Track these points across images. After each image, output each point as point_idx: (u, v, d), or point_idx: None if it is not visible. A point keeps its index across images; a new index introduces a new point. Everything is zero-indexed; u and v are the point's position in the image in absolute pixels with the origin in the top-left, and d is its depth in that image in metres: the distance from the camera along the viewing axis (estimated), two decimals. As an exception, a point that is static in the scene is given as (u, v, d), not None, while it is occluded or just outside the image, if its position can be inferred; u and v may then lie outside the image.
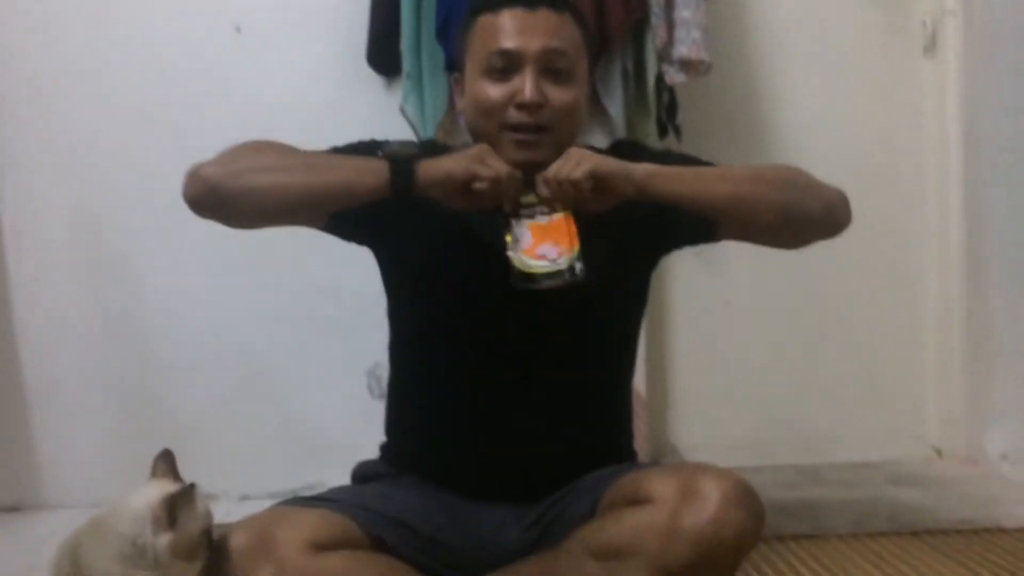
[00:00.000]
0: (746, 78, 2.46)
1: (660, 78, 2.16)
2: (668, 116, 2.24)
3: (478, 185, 1.21)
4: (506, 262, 1.24)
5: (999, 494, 2.11)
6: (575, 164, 1.22)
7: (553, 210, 1.24)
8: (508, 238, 1.25)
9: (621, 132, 2.17)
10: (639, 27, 2.15)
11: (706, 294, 2.48)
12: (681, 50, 2.12)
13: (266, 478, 2.23)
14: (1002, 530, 1.85)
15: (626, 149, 1.39)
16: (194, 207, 1.25)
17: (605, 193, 1.23)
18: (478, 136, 1.33)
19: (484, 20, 1.31)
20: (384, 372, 1.48)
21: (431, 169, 1.21)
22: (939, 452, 2.51)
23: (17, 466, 2.33)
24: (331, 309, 2.30)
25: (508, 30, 1.27)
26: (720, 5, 2.35)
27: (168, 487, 1.12)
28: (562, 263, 1.22)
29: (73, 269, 2.33)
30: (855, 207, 2.51)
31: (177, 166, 2.31)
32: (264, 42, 2.32)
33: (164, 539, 1.09)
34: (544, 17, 1.28)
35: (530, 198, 1.26)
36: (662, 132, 2.24)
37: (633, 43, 2.16)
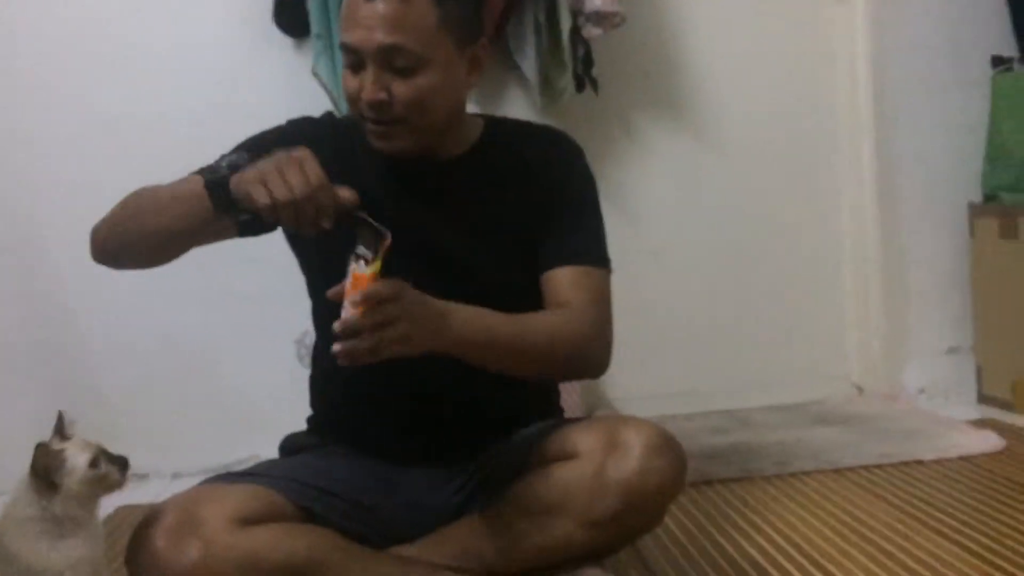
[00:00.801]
0: (661, 28, 2.46)
1: (575, 30, 2.15)
2: (584, 69, 2.23)
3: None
4: (397, 233, 1.14)
5: (918, 427, 2.19)
6: (392, 338, 1.07)
7: (374, 253, 1.08)
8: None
9: (536, 88, 2.15)
10: (549, -22, 2.13)
11: (633, 245, 2.50)
12: (595, 2, 2.10)
13: (198, 455, 2.20)
14: (920, 462, 1.92)
15: (543, 141, 1.38)
16: (102, 264, 1.32)
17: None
18: None
19: (344, 0, 1.24)
20: (311, 341, 1.47)
21: (239, 186, 1.11)
22: (861, 390, 2.59)
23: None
24: (256, 280, 2.25)
25: (351, 21, 1.20)
26: (634, -46, 2.35)
27: None
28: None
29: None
30: (772, 157, 2.57)
31: (90, 140, 2.25)
32: (163, 5, 2.24)
33: (57, 502, 1.11)
34: (383, 6, 1.17)
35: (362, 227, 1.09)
36: (579, 85, 2.24)
37: (544, -4, 2.14)
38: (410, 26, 1.18)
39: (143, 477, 2.11)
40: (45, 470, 1.11)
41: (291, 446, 1.42)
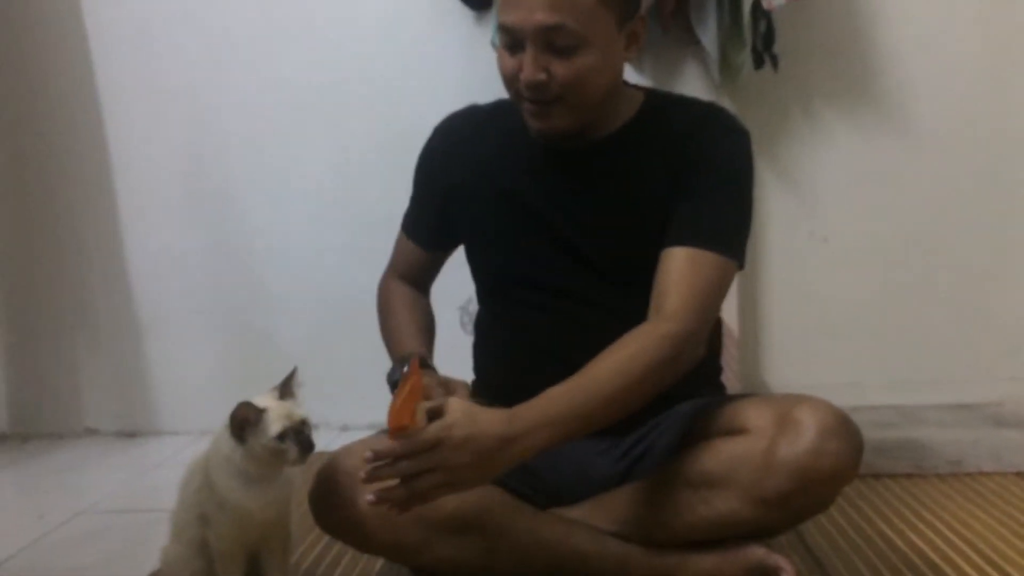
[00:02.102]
0: (849, 1, 2.35)
1: (756, 4, 2.08)
2: (764, 45, 2.16)
3: None
4: (547, 215, 1.31)
5: (1110, 438, 2.03)
6: (425, 489, 1.04)
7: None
8: None
9: (715, 64, 2.11)
10: (733, -50, 2.07)
11: (803, 230, 2.42)
12: (780, -29, 2.03)
13: (365, 410, 2.29)
14: (1113, 474, 1.79)
15: (698, 116, 1.31)
16: None
17: None
18: None
19: None
20: (475, 308, 1.51)
21: None
22: (1047, 395, 2.42)
23: (133, 396, 2.48)
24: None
25: (510, 1, 1.20)
26: (822, -77, 2.26)
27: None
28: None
29: (181, 203, 2.44)
30: (960, 148, 2.40)
31: (276, 101, 2.39)
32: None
33: (238, 452, 1.19)
34: None
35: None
36: (758, 62, 2.18)
37: (728, -32, 2.08)
38: (571, 5, 1.17)
39: (314, 427, 2.23)
40: (240, 423, 1.18)
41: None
